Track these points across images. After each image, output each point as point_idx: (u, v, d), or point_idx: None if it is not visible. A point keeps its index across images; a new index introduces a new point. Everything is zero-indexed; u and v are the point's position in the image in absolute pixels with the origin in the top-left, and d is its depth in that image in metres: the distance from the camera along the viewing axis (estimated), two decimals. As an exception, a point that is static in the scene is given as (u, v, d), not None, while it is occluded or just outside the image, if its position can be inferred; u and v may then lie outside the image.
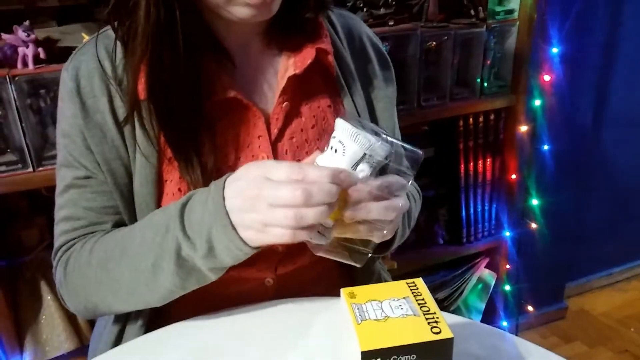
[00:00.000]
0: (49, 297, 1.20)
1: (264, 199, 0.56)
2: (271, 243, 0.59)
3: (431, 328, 0.52)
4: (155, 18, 0.63)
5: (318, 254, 0.63)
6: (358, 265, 0.65)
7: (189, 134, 0.70)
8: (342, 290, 0.59)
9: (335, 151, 0.59)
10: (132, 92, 0.69)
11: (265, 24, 0.75)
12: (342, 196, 0.58)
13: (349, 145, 0.58)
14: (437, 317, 0.53)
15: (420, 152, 0.62)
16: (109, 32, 0.73)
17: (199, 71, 0.70)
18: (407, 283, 0.59)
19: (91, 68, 0.71)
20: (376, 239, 0.64)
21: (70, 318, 1.23)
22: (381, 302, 0.56)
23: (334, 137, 0.59)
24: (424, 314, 0.54)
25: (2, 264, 1.18)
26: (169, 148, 0.70)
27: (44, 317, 1.21)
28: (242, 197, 0.58)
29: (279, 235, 0.57)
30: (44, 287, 1.21)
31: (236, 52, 0.75)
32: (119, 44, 0.70)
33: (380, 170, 0.63)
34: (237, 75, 0.75)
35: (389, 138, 0.60)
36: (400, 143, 0.60)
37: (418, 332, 0.52)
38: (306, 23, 0.76)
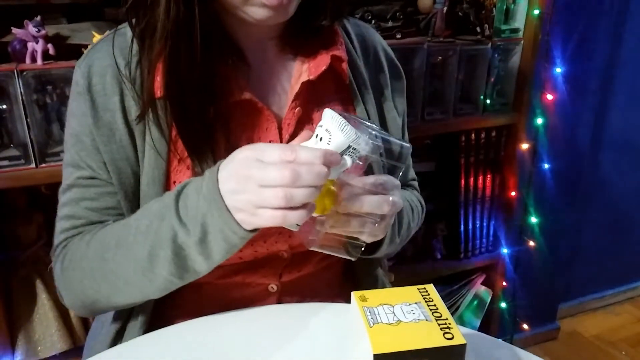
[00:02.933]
0: (43, 296, 1.19)
1: (254, 180, 0.56)
2: (263, 225, 0.59)
3: (444, 333, 0.52)
4: (175, 14, 0.63)
5: (311, 248, 0.64)
6: (353, 259, 0.66)
7: (204, 132, 0.69)
8: (353, 293, 0.58)
9: (321, 139, 0.59)
10: (148, 90, 0.68)
11: (281, 27, 0.76)
12: (330, 189, 0.58)
13: (335, 135, 0.58)
14: (450, 323, 0.53)
15: (408, 144, 0.63)
16: (123, 30, 0.73)
17: (215, 71, 0.70)
18: (418, 289, 0.59)
19: (104, 65, 0.71)
20: (367, 236, 0.65)
21: (64, 318, 1.21)
22: (393, 307, 0.56)
23: (321, 126, 0.59)
24: (436, 320, 0.54)
25: (-3, 260, 1.16)
26: (184, 146, 0.70)
27: (37, 315, 1.19)
28: (235, 178, 0.58)
29: (269, 217, 0.57)
30: (39, 285, 1.19)
31: (252, 55, 0.75)
32: (133, 42, 0.70)
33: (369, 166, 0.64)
34: (252, 77, 0.75)
35: (377, 133, 0.60)
36: (389, 138, 0.61)
37: (431, 337, 0.51)
38: (322, 30, 0.76)
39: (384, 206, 0.62)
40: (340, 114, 0.58)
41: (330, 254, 0.66)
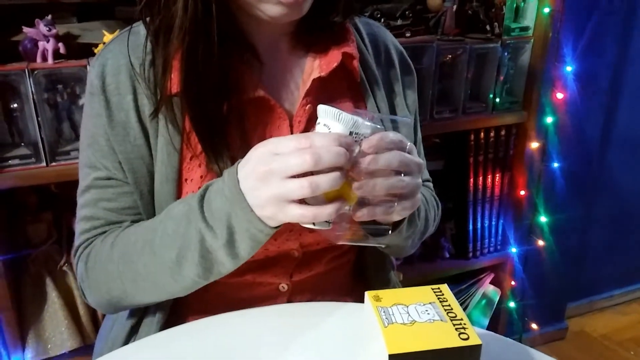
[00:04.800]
0: (53, 294, 1.19)
1: (276, 173, 0.56)
2: (290, 221, 0.59)
3: (459, 334, 0.52)
4: (193, 12, 0.63)
5: (340, 242, 0.63)
6: (382, 246, 0.65)
7: (219, 128, 0.70)
8: (367, 292, 0.58)
9: None
10: (162, 87, 0.68)
11: (293, 24, 0.76)
12: (349, 178, 0.58)
13: (333, 126, 0.58)
14: (465, 323, 0.53)
15: (408, 119, 0.65)
16: (137, 28, 0.73)
17: (229, 68, 0.70)
18: (432, 289, 0.59)
19: (118, 64, 0.71)
20: (395, 215, 0.63)
21: (74, 316, 1.21)
22: (407, 307, 0.55)
23: (319, 123, 0.60)
24: (451, 320, 0.53)
25: (7, 258, 1.16)
26: (200, 142, 0.70)
27: (47, 314, 1.19)
28: (254, 176, 0.58)
29: (298, 216, 0.57)
30: (49, 284, 1.19)
31: (264, 52, 0.75)
32: (147, 40, 0.70)
33: None
34: (264, 74, 0.75)
35: (375, 115, 0.60)
36: (387, 116, 0.60)
37: (446, 338, 0.51)
38: (333, 27, 0.76)
39: (393, 161, 0.59)
40: (333, 106, 0.58)
41: (358, 244, 0.65)
